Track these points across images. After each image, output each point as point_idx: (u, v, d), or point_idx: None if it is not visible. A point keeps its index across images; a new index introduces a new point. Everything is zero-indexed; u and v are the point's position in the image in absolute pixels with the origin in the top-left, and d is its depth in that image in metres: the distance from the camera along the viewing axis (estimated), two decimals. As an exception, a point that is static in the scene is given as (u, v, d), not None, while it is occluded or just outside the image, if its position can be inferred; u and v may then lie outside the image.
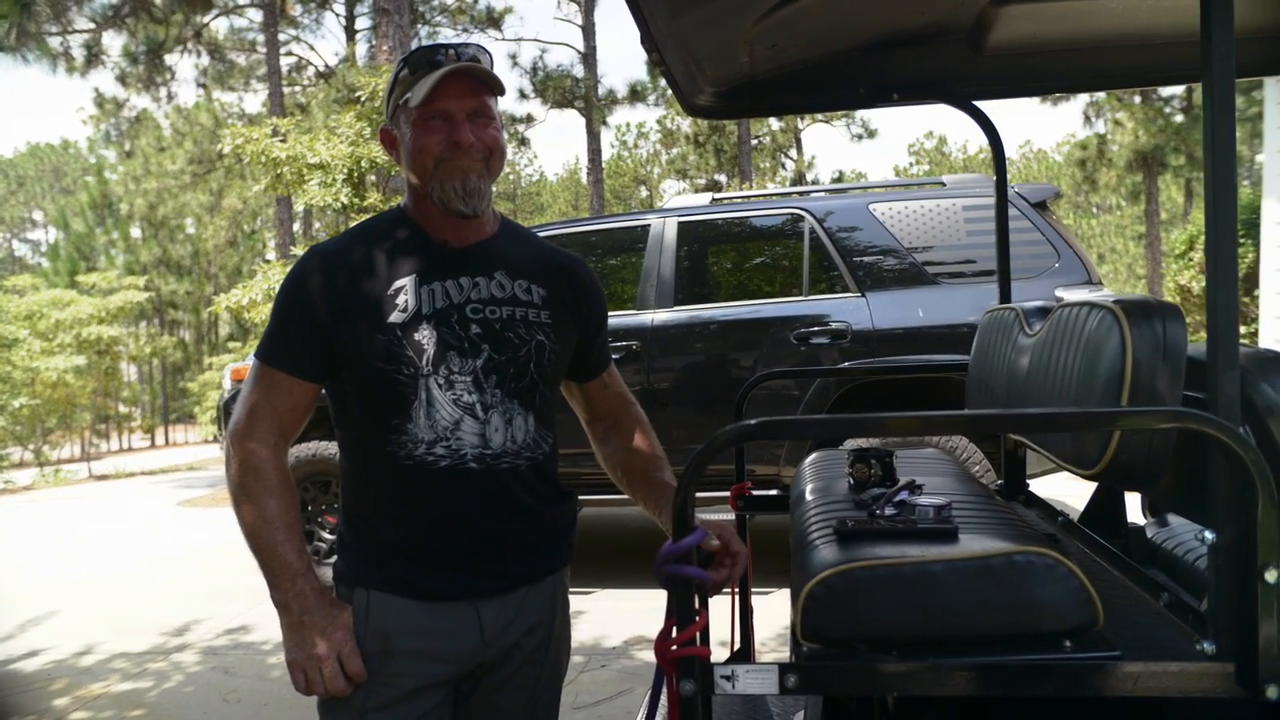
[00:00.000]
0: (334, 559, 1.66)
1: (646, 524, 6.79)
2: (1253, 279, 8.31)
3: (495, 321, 1.57)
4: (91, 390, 15.28)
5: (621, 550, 6.42)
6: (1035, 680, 1.19)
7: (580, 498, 5.69)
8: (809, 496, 1.86)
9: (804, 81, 2.35)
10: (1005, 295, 2.45)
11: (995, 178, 2.46)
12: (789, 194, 5.51)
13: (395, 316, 1.53)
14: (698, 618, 1.25)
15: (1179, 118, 21.36)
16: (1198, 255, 8.79)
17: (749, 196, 5.70)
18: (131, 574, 6.51)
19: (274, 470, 1.53)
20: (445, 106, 1.53)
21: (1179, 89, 21.55)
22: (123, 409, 18.24)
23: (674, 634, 1.25)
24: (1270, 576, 1.13)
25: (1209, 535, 1.19)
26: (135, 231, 25.29)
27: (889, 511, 1.56)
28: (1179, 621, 1.39)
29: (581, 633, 4.54)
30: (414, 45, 12.98)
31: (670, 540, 1.26)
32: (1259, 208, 8.12)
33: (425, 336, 1.52)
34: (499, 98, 1.60)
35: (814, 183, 30.23)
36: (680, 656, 1.22)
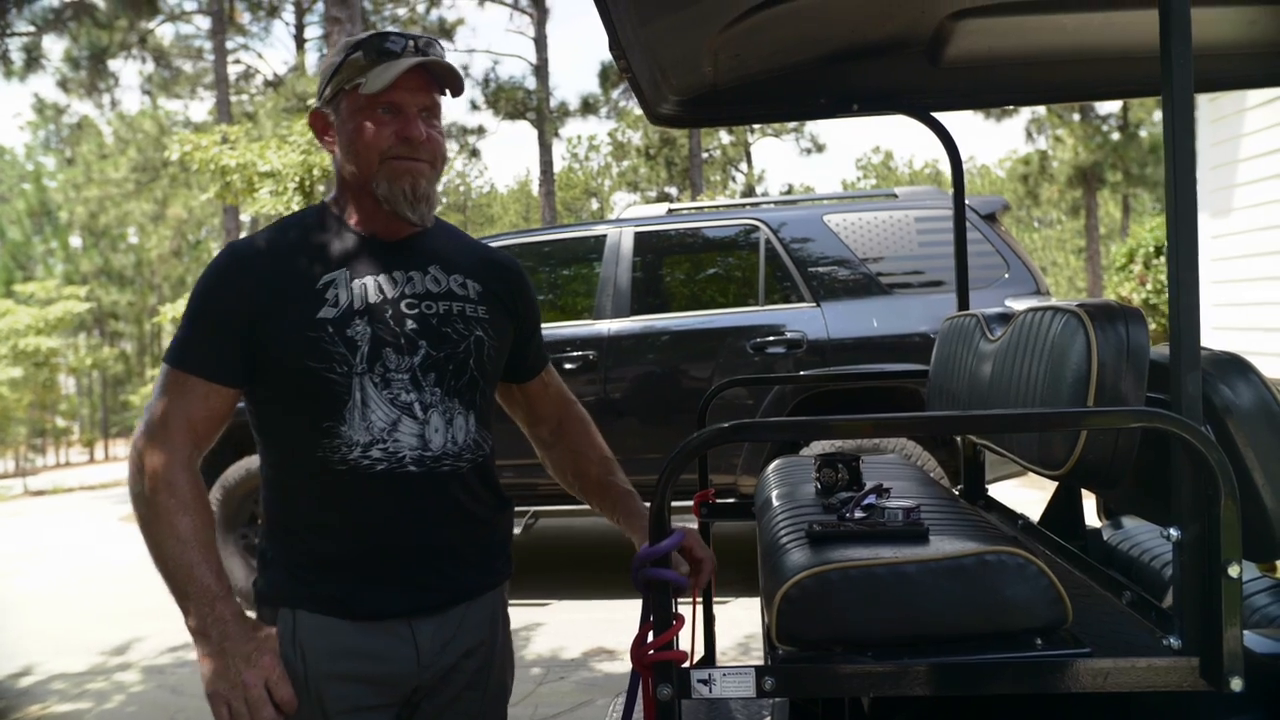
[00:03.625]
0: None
1: (601, 535, 6.76)
2: (1190, 291, 8.56)
3: (432, 316, 1.51)
4: (28, 403, 14.81)
5: (576, 561, 6.39)
6: (1010, 678, 1.20)
7: (535, 509, 5.59)
8: (776, 502, 1.87)
9: (766, 92, 2.37)
10: (964, 303, 2.49)
11: (953, 187, 2.51)
12: (744, 205, 5.56)
13: (326, 312, 1.44)
14: (674, 621, 1.24)
15: (1115, 135, 21.97)
16: (1138, 267, 9.08)
17: (705, 207, 5.74)
18: (70, 591, 6.31)
19: (188, 484, 1.41)
20: (398, 99, 1.46)
21: (1115, 107, 22.19)
22: (60, 422, 17.70)
23: (649, 638, 1.24)
24: (1233, 572, 1.16)
25: (1173, 532, 1.22)
26: (75, 240, 24.64)
27: (858, 515, 1.57)
28: (1141, 619, 1.42)
29: (539, 644, 4.51)
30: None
31: (646, 544, 1.25)
32: (1195, 222, 8.38)
33: (359, 332, 1.45)
34: (448, 99, 1.53)
35: (764, 195, 30.56)
36: (658, 660, 1.22)
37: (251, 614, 1.48)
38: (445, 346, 1.50)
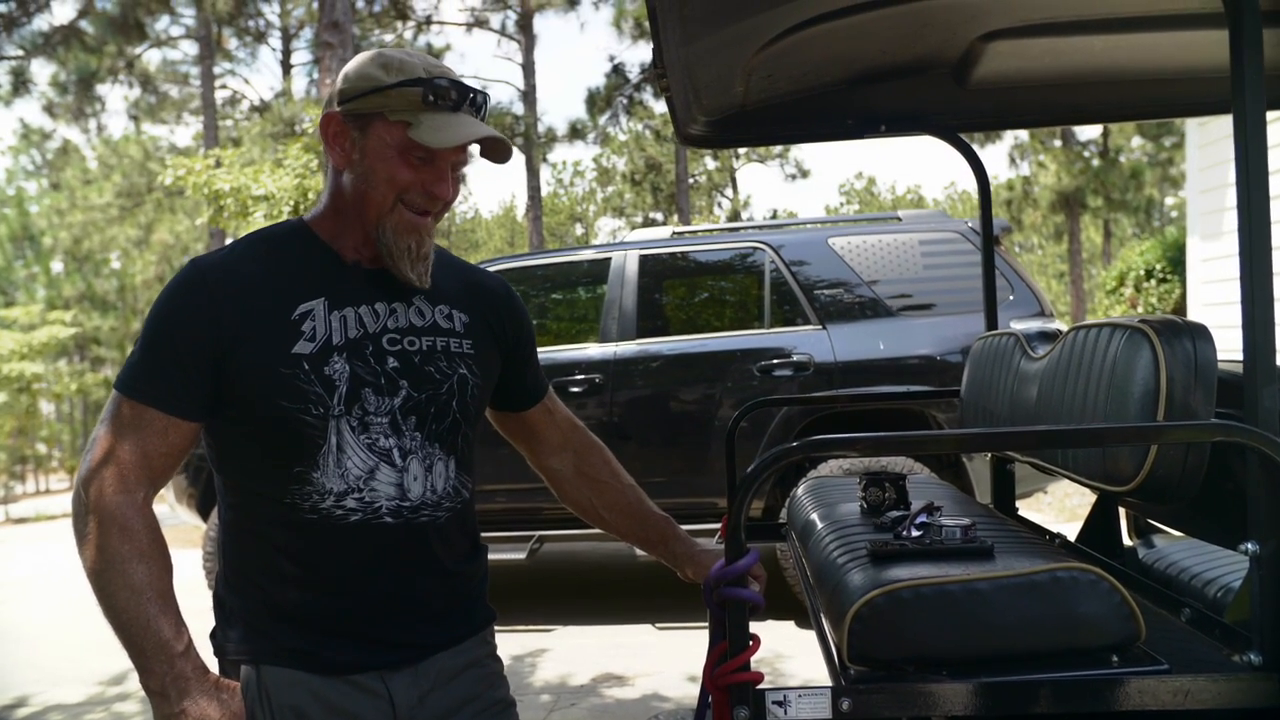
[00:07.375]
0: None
1: (604, 561, 6.72)
2: (1180, 314, 8.68)
3: (415, 354, 1.40)
4: (10, 430, 14.61)
5: (580, 587, 6.33)
6: (1091, 696, 1.19)
7: (539, 534, 5.51)
8: (820, 523, 1.86)
9: (793, 112, 2.38)
10: (992, 322, 2.50)
11: (980, 207, 2.52)
12: (749, 228, 5.59)
13: (301, 347, 1.32)
14: (750, 642, 1.23)
15: (1096, 161, 22.26)
16: (1128, 290, 9.20)
17: (709, 230, 5.77)
18: (62, 620, 6.19)
19: (143, 528, 1.28)
20: (439, 151, 1.35)
21: (1096, 133, 22.51)
22: (41, 449, 17.48)
23: (725, 659, 1.22)
24: (1314, 587, 1.16)
25: (1250, 547, 1.21)
26: (56, 265, 24.46)
27: (914, 533, 1.56)
28: (1205, 635, 1.41)
29: (546, 671, 4.45)
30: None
31: (721, 563, 1.24)
32: (1184, 245, 8.51)
33: (337, 371, 1.33)
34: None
35: (749, 219, 30.75)
36: (734, 682, 1.20)
37: (214, 666, 1.38)
38: (427, 387, 1.40)
